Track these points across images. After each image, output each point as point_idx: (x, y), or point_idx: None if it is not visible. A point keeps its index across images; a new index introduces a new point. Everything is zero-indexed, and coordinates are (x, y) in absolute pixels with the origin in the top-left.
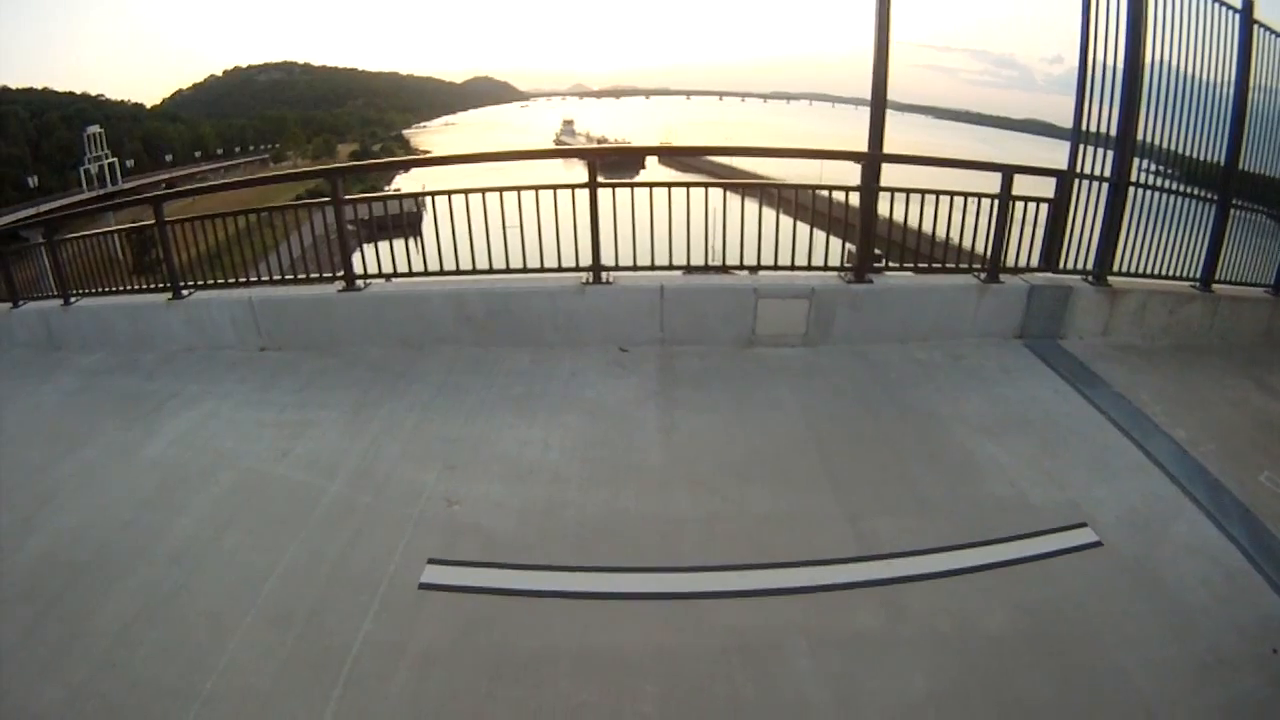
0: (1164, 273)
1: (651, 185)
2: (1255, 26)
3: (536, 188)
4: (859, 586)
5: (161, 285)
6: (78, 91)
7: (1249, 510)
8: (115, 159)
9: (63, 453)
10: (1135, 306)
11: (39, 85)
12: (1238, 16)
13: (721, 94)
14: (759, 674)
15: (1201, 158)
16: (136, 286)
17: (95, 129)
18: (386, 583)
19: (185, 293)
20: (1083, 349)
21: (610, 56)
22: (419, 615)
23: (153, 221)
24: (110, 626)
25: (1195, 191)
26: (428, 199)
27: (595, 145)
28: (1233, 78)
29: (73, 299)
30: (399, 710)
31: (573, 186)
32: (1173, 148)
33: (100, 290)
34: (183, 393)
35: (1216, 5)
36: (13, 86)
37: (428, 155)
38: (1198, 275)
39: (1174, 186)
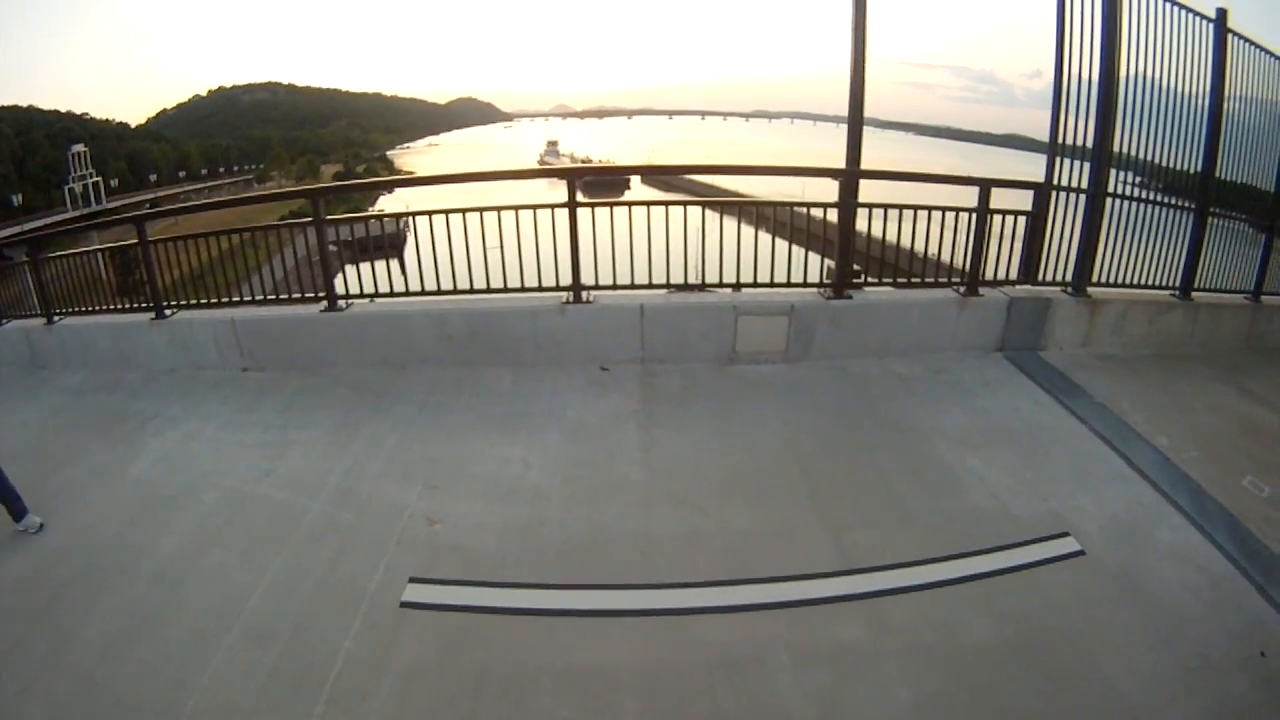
0: (1143, 282)
1: (631, 204)
2: (1230, 36)
3: (517, 207)
4: (841, 600)
5: (145, 305)
6: (63, 110)
7: (1233, 515)
8: (99, 178)
9: (46, 472)
10: (1115, 316)
11: (24, 103)
12: (1212, 26)
13: (704, 113)
14: (741, 689)
15: (1178, 167)
16: (120, 306)
17: (80, 148)
18: (368, 601)
19: (168, 312)
20: (1063, 360)
21: (593, 77)
22: (400, 633)
23: (136, 241)
24: (93, 644)
25: (1172, 201)
26: (410, 219)
27: (578, 165)
28: (1208, 87)
29: (56, 318)
30: None
31: (552, 206)
32: (1150, 158)
33: (83, 309)
34: (165, 412)
35: (1190, 16)
36: None
37: (410, 175)
38: (1177, 284)
39: (1152, 196)
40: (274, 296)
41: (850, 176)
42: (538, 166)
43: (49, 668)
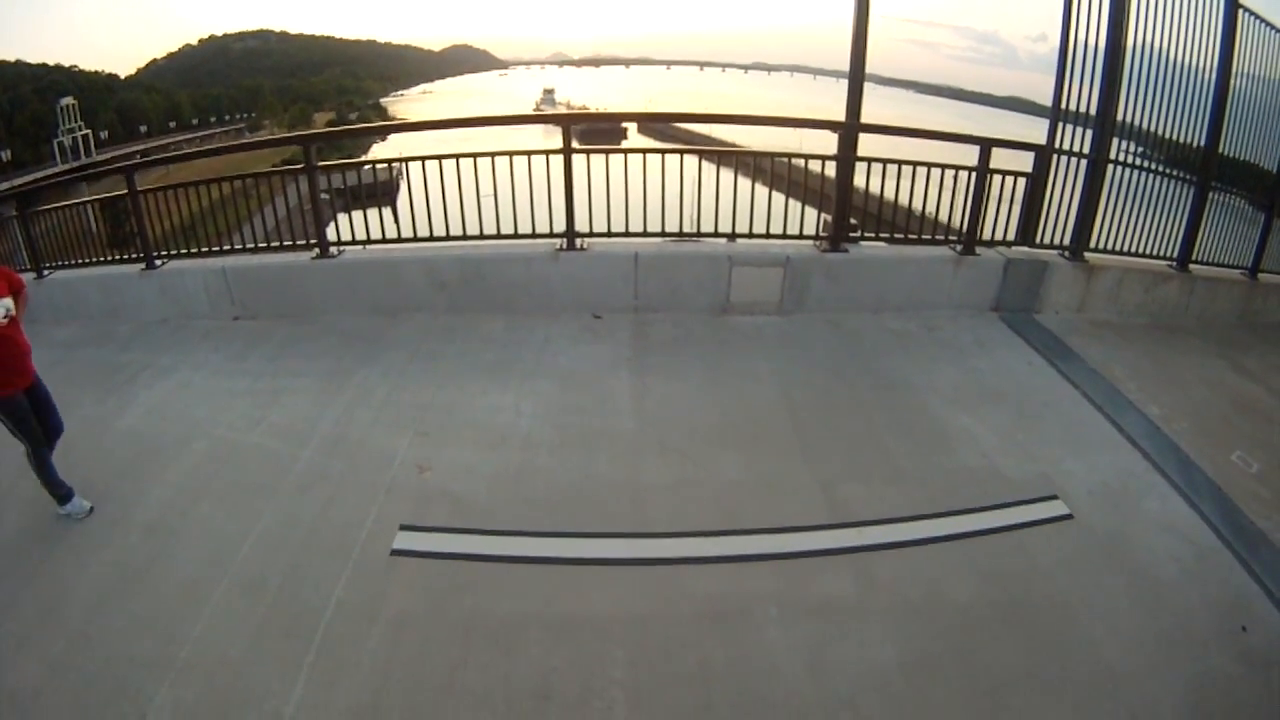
0: (1141, 251)
1: (627, 152)
2: (1240, 10)
3: (511, 154)
4: (830, 554)
5: (135, 256)
6: (50, 63)
7: (1220, 489)
8: (89, 131)
9: None
10: (1111, 283)
11: (10, 58)
12: (1222, 0)
13: (702, 64)
14: (729, 640)
15: (1181, 140)
16: (110, 258)
17: (68, 101)
18: (359, 549)
19: (159, 263)
20: (1058, 323)
21: (590, 24)
22: (391, 581)
23: (126, 191)
24: (86, 599)
25: (1174, 172)
26: (403, 167)
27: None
28: (1215, 62)
29: (46, 272)
30: (371, 676)
31: (547, 152)
32: (1153, 129)
33: (73, 262)
34: (156, 363)
35: None
36: None
37: (403, 121)
38: (1175, 255)
39: (1153, 166)
40: (265, 244)
41: (850, 130)
42: (534, 113)
43: (43, 622)
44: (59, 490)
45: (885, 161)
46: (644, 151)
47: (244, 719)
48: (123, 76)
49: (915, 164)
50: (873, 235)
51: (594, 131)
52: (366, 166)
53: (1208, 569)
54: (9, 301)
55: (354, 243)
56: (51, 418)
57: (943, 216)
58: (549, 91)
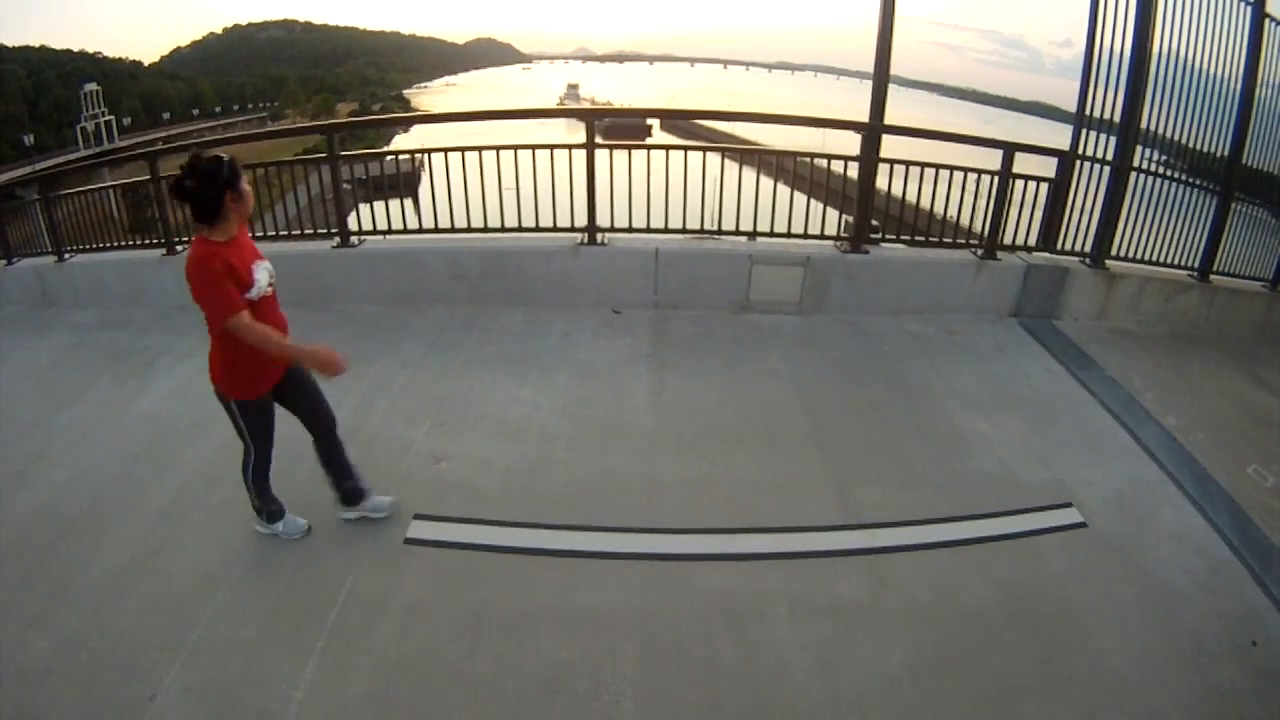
0: (1162, 260)
1: (649, 148)
2: (1266, 20)
3: (534, 147)
4: (843, 555)
5: (156, 241)
6: (75, 49)
7: (1235, 501)
8: (112, 117)
9: (55, 408)
10: (1132, 291)
11: (36, 43)
12: (1249, 9)
13: (726, 62)
14: (739, 638)
15: (1205, 149)
16: (131, 243)
17: (92, 87)
18: (372, 537)
19: (180, 248)
20: (1077, 331)
21: (615, 20)
22: (404, 570)
23: (148, 177)
24: (99, 580)
25: (1197, 182)
26: (425, 158)
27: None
28: (1241, 71)
29: (67, 255)
30: (381, 664)
31: (570, 147)
32: (1177, 138)
33: (94, 247)
34: (175, 348)
35: None
36: (9, 44)
37: (426, 113)
38: (1196, 265)
39: (1176, 175)
40: (286, 232)
41: (873, 131)
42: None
43: (55, 602)
44: (270, 504)
45: (908, 164)
46: (667, 148)
47: (253, 702)
48: (146, 64)
49: (938, 167)
50: (893, 237)
51: (618, 127)
52: (389, 157)
53: (1220, 582)
54: (269, 264)
55: (375, 233)
56: (321, 404)
57: (964, 220)
58: (573, 86)
